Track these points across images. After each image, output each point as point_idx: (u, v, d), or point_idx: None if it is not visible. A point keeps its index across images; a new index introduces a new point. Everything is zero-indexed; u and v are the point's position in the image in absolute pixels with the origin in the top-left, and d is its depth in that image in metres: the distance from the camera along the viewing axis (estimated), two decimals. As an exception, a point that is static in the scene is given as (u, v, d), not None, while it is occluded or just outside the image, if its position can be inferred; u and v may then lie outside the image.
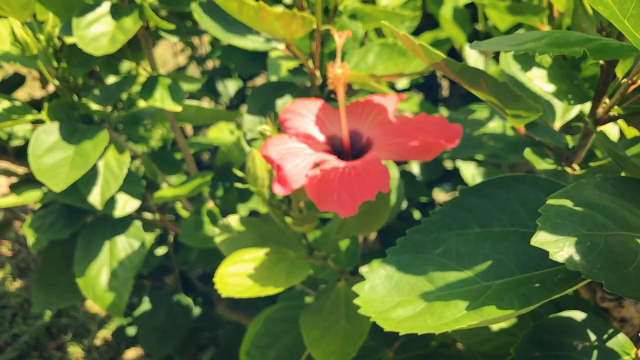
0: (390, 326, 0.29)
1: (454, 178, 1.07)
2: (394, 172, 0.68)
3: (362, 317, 0.31)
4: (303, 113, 0.49)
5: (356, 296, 0.34)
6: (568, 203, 0.30)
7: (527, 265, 0.32)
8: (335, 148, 0.48)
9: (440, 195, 1.42)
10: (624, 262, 0.28)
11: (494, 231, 0.33)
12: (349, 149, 0.48)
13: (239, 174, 0.47)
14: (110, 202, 0.70)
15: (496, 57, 0.86)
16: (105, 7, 0.60)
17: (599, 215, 0.30)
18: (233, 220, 0.55)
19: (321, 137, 0.48)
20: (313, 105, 0.50)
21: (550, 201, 0.30)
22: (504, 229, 0.33)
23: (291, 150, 0.44)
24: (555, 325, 0.40)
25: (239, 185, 0.47)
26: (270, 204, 0.49)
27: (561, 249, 0.27)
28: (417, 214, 1.06)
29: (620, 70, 0.41)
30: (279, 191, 0.41)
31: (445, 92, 1.24)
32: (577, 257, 0.27)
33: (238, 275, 0.47)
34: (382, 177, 0.40)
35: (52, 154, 0.61)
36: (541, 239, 0.28)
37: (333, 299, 0.52)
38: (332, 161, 0.43)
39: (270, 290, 0.44)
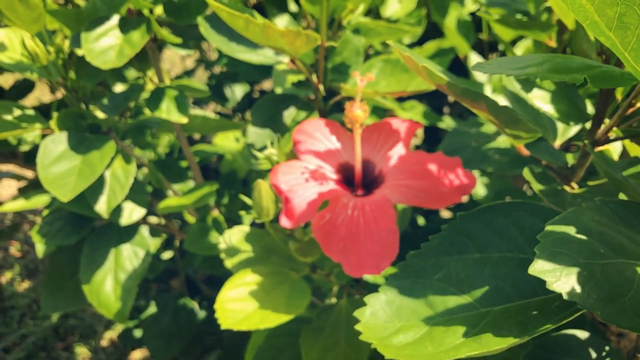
0: (391, 353, 0.29)
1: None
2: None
3: (362, 341, 0.31)
4: (316, 136, 0.48)
5: (357, 318, 0.34)
6: (566, 229, 0.31)
7: (525, 291, 0.32)
8: (347, 177, 0.47)
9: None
10: (620, 292, 0.28)
11: (492, 257, 0.34)
12: (360, 182, 0.47)
13: (248, 201, 0.47)
14: (117, 211, 0.70)
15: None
16: (114, 20, 0.61)
17: (596, 243, 0.30)
18: (237, 232, 0.55)
19: (333, 164, 0.47)
20: (327, 128, 0.49)
21: (549, 227, 0.31)
22: (502, 255, 0.34)
23: (300, 181, 0.44)
24: (555, 344, 0.40)
25: (243, 214, 0.47)
26: (275, 227, 0.49)
27: (558, 278, 0.28)
28: (421, 220, 1.07)
29: (619, 93, 0.42)
30: (286, 224, 0.41)
31: (451, 96, 1.23)
32: (574, 288, 0.27)
33: (239, 300, 0.48)
34: (390, 235, 0.39)
35: (60, 163, 0.62)
36: (539, 267, 0.28)
37: (334, 318, 0.52)
38: (342, 198, 0.43)
39: (270, 322, 0.44)
